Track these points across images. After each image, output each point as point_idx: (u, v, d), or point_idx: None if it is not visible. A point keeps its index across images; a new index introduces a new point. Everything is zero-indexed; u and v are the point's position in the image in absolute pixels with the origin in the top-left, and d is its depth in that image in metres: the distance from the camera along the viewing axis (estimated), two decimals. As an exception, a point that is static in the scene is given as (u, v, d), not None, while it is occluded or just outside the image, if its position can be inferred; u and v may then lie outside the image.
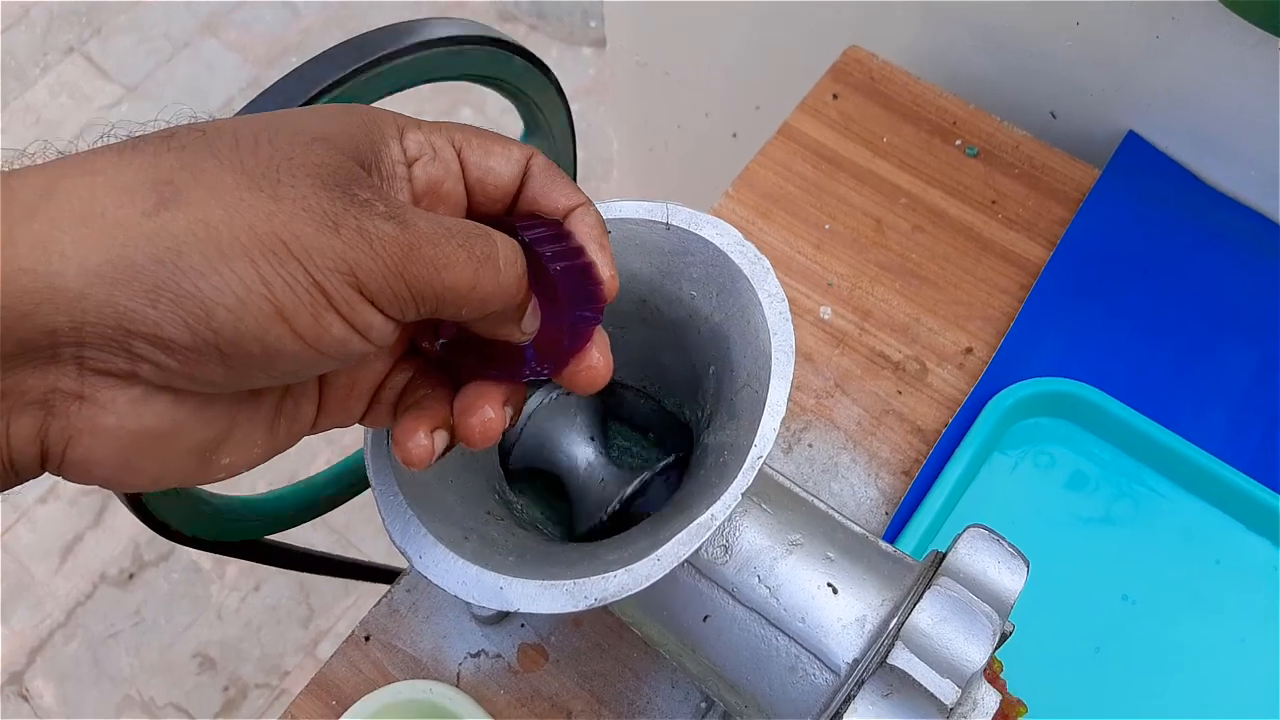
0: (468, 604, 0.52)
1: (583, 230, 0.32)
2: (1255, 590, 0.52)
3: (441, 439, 0.31)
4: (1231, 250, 0.61)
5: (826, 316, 0.59)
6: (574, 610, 0.32)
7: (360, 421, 0.32)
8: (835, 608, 0.37)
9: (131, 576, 1.38)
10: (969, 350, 0.58)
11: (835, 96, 0.66)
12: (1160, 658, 0.50)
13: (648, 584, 0.32)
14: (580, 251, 0.31)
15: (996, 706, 0.34)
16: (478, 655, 0.52)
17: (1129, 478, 0.54)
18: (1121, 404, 0.54)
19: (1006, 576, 0.37)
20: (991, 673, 0.49)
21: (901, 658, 0.34)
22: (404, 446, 0.30)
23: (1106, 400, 0.54)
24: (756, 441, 0.34)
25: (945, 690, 0.33)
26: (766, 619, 0.37)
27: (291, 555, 0.54)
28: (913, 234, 0.62)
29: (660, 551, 0.33)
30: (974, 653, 0.34)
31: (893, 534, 0.51)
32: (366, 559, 0.71)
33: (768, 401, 0.35)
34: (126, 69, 1.81)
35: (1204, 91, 0.61)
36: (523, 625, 0.52)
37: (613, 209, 0.39)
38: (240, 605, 1.35)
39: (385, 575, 0.69)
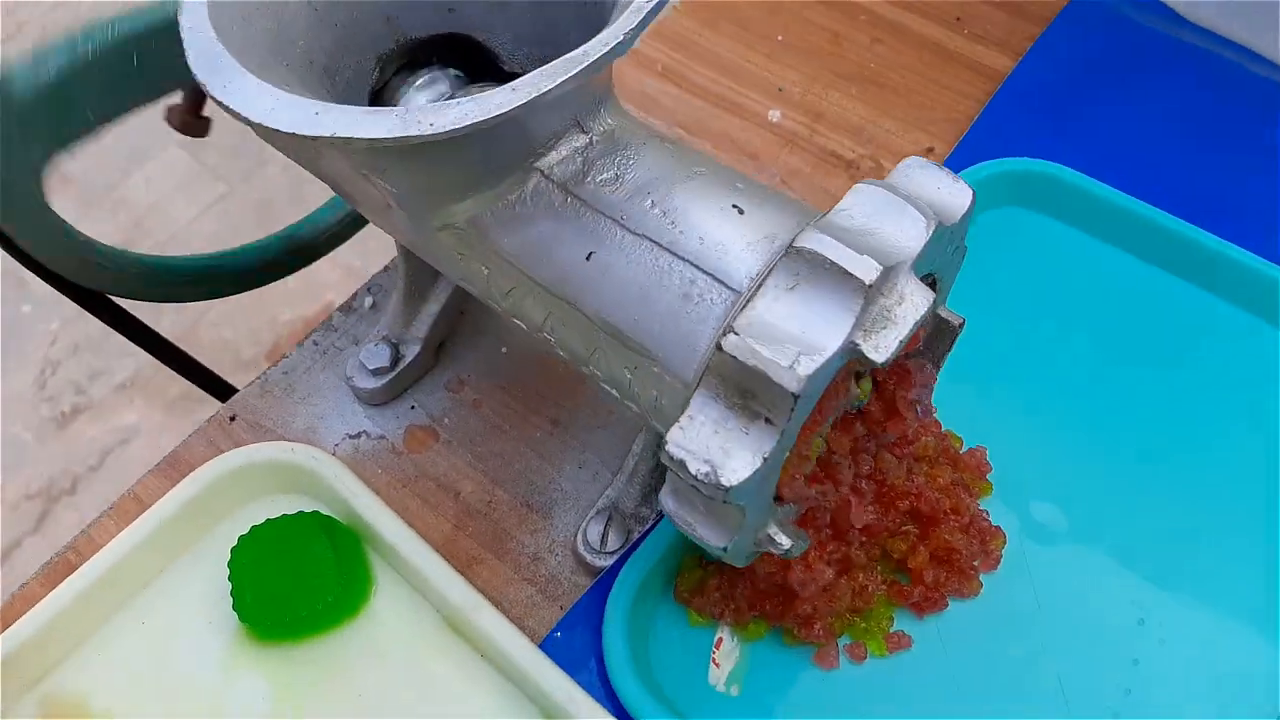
0: (350, 379, 0.45)
1: None
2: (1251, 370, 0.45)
3: None
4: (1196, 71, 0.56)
5: (775, 119, 0.54)
6: (404, 134, 0.26)
7: None
8: (740, 226, 0.31)
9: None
10: (930, 150, 0.52)
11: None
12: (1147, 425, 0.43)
13: (497, 113, 0.26)
14: None
15: (928, 305, 0.28)
16: (358, 436, 0.45)
17: (1108, 263, 0.48)
18: (1097, 181, 0.48)
19: (949, 196, 0.31)
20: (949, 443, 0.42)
21: (811, 238, 0.28)
22: None
23: (1079, 179, 0.48)
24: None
25: (865, 266, 0.27)
26: (659, 244, 0.31)
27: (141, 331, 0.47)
28: (871, 46, 0.57)
29: (517, 81, 0.27)
30: (905, 240, 0.28)
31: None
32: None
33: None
34: None
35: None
36: (413, 407, 0.46)
37: None
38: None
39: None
